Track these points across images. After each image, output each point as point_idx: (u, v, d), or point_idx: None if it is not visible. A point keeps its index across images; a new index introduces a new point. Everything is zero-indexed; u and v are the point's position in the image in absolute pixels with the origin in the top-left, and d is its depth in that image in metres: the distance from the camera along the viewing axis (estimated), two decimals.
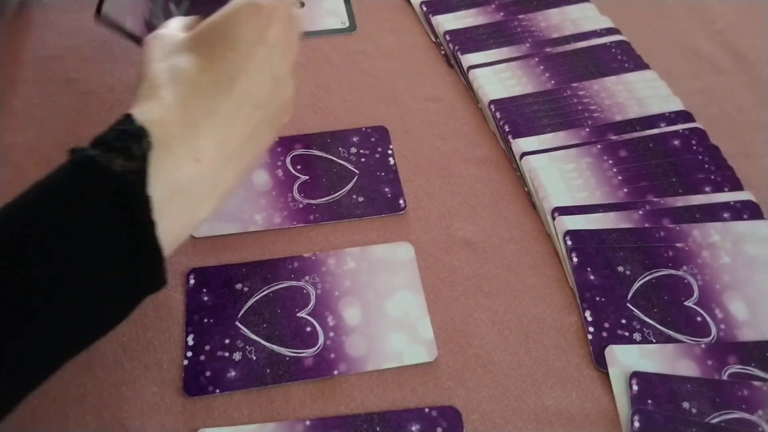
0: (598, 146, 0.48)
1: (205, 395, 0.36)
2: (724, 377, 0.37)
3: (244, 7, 0.35)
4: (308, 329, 0.39)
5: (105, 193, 0.29)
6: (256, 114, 0.35)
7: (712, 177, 0.46)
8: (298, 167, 0.47)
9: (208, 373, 0.37)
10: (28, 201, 0.29)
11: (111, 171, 0.29)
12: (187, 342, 0.38)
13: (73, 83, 0.46)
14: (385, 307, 0.40)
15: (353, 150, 0.49)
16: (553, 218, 0.44)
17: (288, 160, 0.48)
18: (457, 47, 0.56)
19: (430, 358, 0.38)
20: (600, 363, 0.38)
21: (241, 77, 0.34)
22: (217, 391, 0.36)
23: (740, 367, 0.37)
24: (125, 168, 0.29)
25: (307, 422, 0.35)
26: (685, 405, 0.36)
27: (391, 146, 0.49)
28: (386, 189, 0.46)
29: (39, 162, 0.47)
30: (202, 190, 0.32)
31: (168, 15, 0.46)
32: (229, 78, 0.34)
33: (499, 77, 0.53)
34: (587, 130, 0.49)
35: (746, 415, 0.35)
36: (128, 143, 0.30)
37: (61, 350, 0.29)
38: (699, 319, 0.39)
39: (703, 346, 0.38)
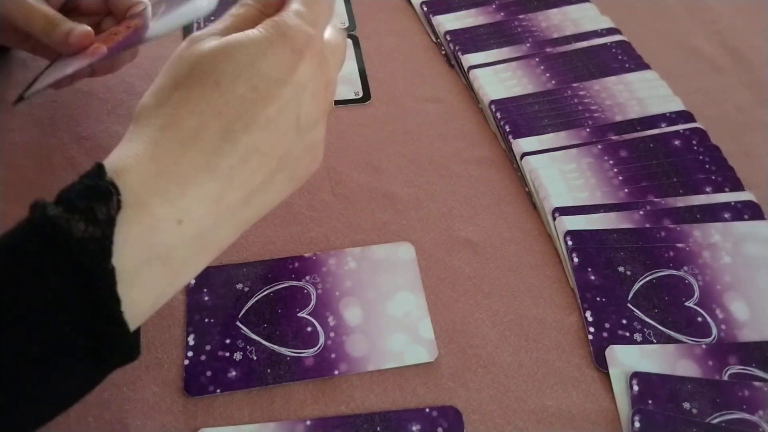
0: (599, 146, 0.48)
1: (206, 395, 0.36)
2: (725, 378, 0.37)
3: (272, 37, 0.30)
4: (309, 329, 0.39)
5: (61, 263, 0.25)
6: (270, 165, 0.30)
7: (713, 177, 0.46)
8: None
9: (208, 373, 0.37)
10: None
11: (70, 237, 0.25)
12: (187, 342, 0.38)
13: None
14: (385, 307, 0.40)
15: None
16: (554, 218, 0.44)
17: None
18: (457, 47, 0.56)
19: (431, 359, 0.38)
20: (600, 363, 0.38)
21: (256, 123, 0.29)
22: (218, 390, 0.36)
23: (741, 367, 0.37)
24: (86, 234, 0.25)
25: (308, 422, 0.35)
26: (686, 405, 0.36)
27: None
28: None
29: (39, 162, 0.47)
30: (185, 254, 0.28)
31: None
32: (243, 124, 0.29)
33: (500, 77, 0.53)
34: (588, 130, 0.49)
35: (747, 416, 0.35)
36: (93, 203, 0.25)
37: (17, 427, 0.26)
38: (699, 319, 0.39)
39: (703, 346, 0.38)
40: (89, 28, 0.40)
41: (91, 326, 0.25)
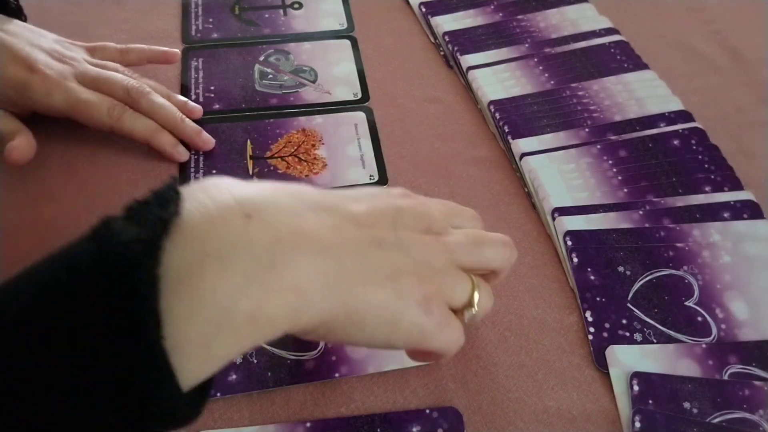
0: (598, 146, 0.48)
1: None
2: (725, 377, 0.37)
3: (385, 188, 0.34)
4: None
5: (101, 272, 0.22)
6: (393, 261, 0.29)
7: (712, 177, 0.46)
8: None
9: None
10: (25, 278, 0.24)
11: (116, 241, 0.23)
12: None
13: None
14: None
15: None
16: (553, 219, 0.44)
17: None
18: (456, 48, 0.56)
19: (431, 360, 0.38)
20: (601, 363, 0.38)
21: (358, 203, 0.31)
22: (218, 394, 0.36)
23: (741, 366, 0.37)
24: (135, 237, 0.23)
25: (308, 424, 0.35)
26: (686, 405, 0.36)
27: None
28: None
29: (40, 164, 0.46)
30: (254, 261, 0.25)
31: None
32: (346, 200, 0.31)
33: (499, 78, 0.53)
34: (587, 130, 0.49)
35: (747, 415, 0.35)
36: (148, 209, 0.24)
37: None
38: (699, 319, 0.39)
39: (703, 346, 0.38)
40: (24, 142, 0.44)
41: (124, 362, 0.22)
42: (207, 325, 0.23)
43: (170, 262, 0.23)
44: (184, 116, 0.48)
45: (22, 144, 0.44)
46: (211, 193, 0.26)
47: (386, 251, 0.29)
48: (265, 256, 0.25)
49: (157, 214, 0.24)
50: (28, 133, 0.44)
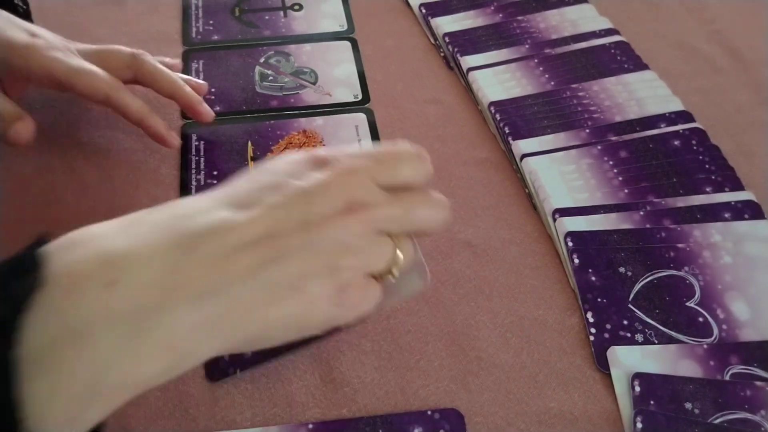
0: (599, 147, 0.48)
1: (223, 380, 0.36)
2: (727, 377, 0.37)
3: (300, 155, 0.30)
4: None
5: None
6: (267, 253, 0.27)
7: (713, 177, 0.46)
8: None
9: (226, 357, 0.37)
10: None
11: None
12: None
13: None
14: None
15: None
16: (554, 219, 0.44)
17: None
18: (456, 49, 0.56)
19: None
20: (602, 364, 0.38)
21: (255, 208, 0.27)
22: (238, 371, 0.37)
23: (742, 367, 0.37)
24: None
25: (310, 425, 0.35)
26: (688, 406, 0.36)
27: None
28: None
29: (40, 167, 0.47)
30: (114, 335, 0.23)
31: None
32: (240, 207, 0.27)
33: (499, 79, 0.53)
34: (587, 131, 0.49)
35: (749, 416, 0.35)
36: (5, 280, 0.23)
37: None
38: (701, 319, 0.39)
39: (705, 346, 0.38)
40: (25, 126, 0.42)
41: None
42: (73, 402, 0.23)
43: (30, 341, 0.22)
44: (184, 84, 0.47)
45: (29, 128, 0.43)
46: (75, 255, 0.24)
47: (287, 262, 0.27)
48: (129, 326, 0.24)
49: (15, 289, 0.23)
50: (27, 116, 0.43)
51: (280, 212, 0.27)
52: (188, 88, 0.47)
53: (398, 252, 0.30)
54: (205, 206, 0.27)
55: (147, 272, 0.24)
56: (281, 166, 0.29)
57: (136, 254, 0.25)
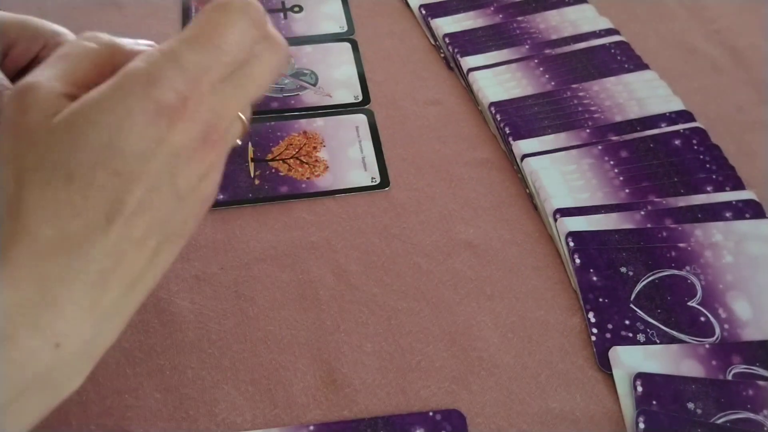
0: (599, 147, 0.48)
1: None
2: (729, 377, 0.37)
3: (137, 102, 0.24)
4: None
5: None
6: (149, 245, 0.25)
7: (714, 177, 0.46)
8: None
9: None
10: None
11: None
12: None
13: None
14: None
15: None
16: (555, 220, 0.44)
17: None
18: (456, 50, 0.56)
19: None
20: (604, 364, 0.38)
21: (123, 211, 0.24)
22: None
23: (745, 366, 0.37)
24: None
25: (311, 427, 0.35)
26: (690, 405, 0.35)
27: None
28: None
29: None
30: (68, 371, 0.24)
31: None
32: (107, 219, 0.24)
33: (499, 79, 0.53)
34: (588, 131, 0.49)
35: (751, 415, 0.35)
36: None
37: None
38: (702, 319, 0.39)
39: (707, 346, 0.38)
40: None
41: None
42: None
43: None
44: None
45: None
46: None
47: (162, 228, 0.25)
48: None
49: None
50: None
51: (150, 215, 0.25)
52: None
53: (243, 116, 0.29)
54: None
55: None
56: (124, 151, 0.24)
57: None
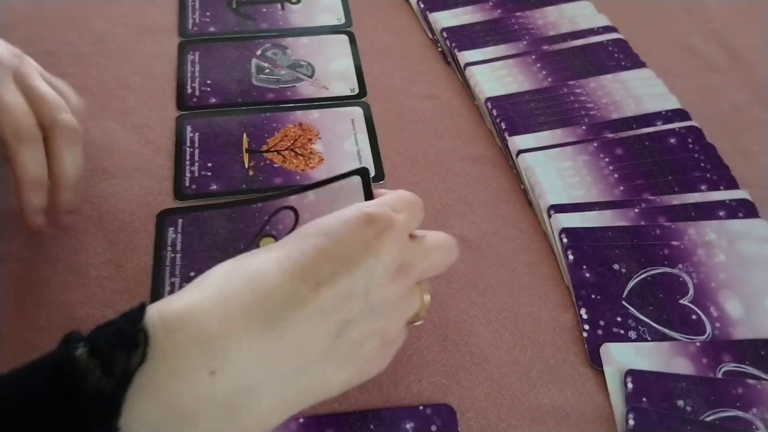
0: (595, 144, 0.48)
1: None
2: (719, 375, 0.37)
3: (354, 216, 0.30)
4: None
5: (68, 416, 0.23)
6: (328, 330, 0.28)
7: (708, 175, 0.46)
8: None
9: None
10: None
11: (83, 387, 0.23)
12: None
13: (67, 78, 0.45)
14: None
15: None
16: (549, 216, 0.44)
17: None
18: (454, 44, 0.56)
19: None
20: (595, 361, 0.38)
21: (327, 284, 0.28)
22: None
23: (735, 365, 0.37)
24: (99, 386, 0.23)
25: (301, 420, 0.35)
26: (680, 403, 0.36)
27: None
28: None
29: None
30: (212, 415, 0.26)
31: None
32: (315, 283, 0.28)
33: (496, 75, 0.53)
34: (584, 128, 0.49)
35: (741, 413, 0.35)
36: (114, 352, 0.24)
37: None
38: (694, 317, 0.39)
39: (698, 344, 0.38)
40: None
41: None
42: None
43: (134, 415, 0.24)
44: (71, 187, 0.40)
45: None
46: (175, 339, 0.25)
47: (351, 330, 0.29)
48: (229, 408, 0.26)
49: (123, 361, 0.24)
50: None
51: (347, 285, 0.29)
52: (67, 197, 0.40)
53: (425, 297, 0.33)
54: (281, 283, 0.28)
55: (242, 359, 0.26)
56: (338, 232, 0.30)
57: (232, 340, 0.26)
